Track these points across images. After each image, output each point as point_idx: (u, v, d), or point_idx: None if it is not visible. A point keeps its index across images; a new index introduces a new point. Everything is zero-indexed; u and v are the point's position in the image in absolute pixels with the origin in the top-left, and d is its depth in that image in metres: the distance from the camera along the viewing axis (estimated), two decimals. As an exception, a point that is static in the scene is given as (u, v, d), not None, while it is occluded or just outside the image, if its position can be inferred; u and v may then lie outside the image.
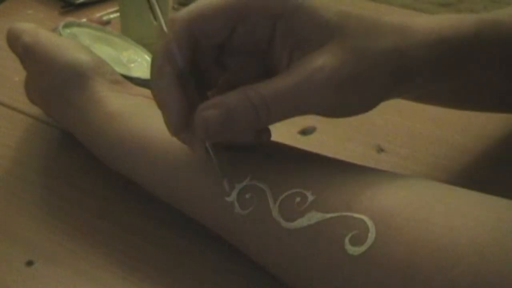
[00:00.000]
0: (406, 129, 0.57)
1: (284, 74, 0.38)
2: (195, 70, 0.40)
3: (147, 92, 0.51)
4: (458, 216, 0.34)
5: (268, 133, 0.41)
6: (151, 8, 0.39)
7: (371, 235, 0.34)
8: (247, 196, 0.39)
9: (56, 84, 0.50)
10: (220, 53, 0.40)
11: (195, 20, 0.38)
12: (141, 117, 0.46)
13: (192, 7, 0.39)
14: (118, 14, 0.70)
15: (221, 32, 0.39)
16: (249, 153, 0.41)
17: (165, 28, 0.39)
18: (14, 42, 0.53)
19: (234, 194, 0.39)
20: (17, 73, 0.54)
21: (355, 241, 0.34)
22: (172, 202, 0.44)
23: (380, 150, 0.54)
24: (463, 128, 0.56)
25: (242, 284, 0.41)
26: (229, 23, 0.38)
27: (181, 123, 0.39)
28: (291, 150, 0.43)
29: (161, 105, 0.39)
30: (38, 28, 0.52)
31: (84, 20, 0.65)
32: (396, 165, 0.52)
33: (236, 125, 0.37)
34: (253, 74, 0.40)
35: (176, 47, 0.38)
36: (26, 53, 0.51)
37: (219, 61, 0.41)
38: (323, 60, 0.37)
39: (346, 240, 0.35)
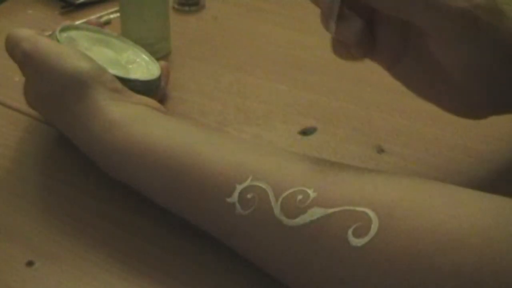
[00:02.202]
0: (406, 129, 0.57)
1: None
2: None
3: (147, 100, 0.51)
4: (460, 205, 0.34)
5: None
6: None
7: (374, 226, 0.34)
8: (249, 196, 0.39)
9: (55, 92, 0.50)
10: None
11: None
12: (141, 125, 0.46)
13: None
14: (118, 14, 0.70)
15: None
16: (250, 153, 0.41)
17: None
18: (13, 49, 0.52)
19: (235, 195, 0.39)
20: (17, 73, 0.54)
21: (358, 233, 0.35)
22: (173, 208, 0.44)
23: (381, 150, 0.54)
24: (463, 128, 0.56)
25: (242, 284, 0.41)
26: None
27: None
28: (291, 150, 0.43)
29: None
30: (37, 35, 0.52)
31: (81, 22, 0.65)
32: (396, 165, 0.52)
33: None
34: None
35: None
36: (26, 60, 0.51)
37: None
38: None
39: (349, 232, 0.35)
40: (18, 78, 0.57)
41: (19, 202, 0.48)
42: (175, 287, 0.41)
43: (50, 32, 0.56)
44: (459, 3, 0.40)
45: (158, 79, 0.58)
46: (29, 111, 0.57)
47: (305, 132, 0.56)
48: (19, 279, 0.42)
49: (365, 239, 0.34)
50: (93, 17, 0.73)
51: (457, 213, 0.34)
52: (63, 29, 0.56)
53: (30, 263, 0.43)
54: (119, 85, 0.50)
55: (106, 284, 0.42)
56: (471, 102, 0.45)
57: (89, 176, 0.50)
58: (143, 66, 0.59)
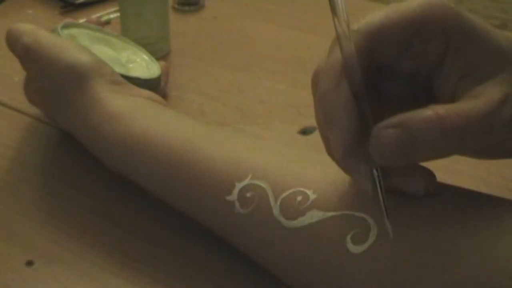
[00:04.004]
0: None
1: (468, 101, 0.33)
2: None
3: (148, 93, 0.51)
4: (459, 216, 0.34)
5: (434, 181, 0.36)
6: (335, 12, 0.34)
7: (373, 234, 0.34)
8: (248, 195, 0.39)
9: (56, 85, 0.50)
10: (378, 77, 0.37)
11: (376, 31, 0.34)
12: (141, 118, 0.46)
13: (370, 18, 0.35)
14: (118, 14, 0.70)
15: (399, 45, 0.35)
16: (250, 151, 0.41)
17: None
18: (14, 43, 0.52)
19: (235, 194, 0.39)
20: (17, 73, 0.54)
21: (357, 240, 0.35)
22: (172, 203, 0.44)
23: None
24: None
25: (242, 284, 0.41)
26: (407, 35, 0.35)
27: (354, 144, 0.34)
28: (291, 149, 0.43)
29: (331, 123, 0.35)
30: (38, 29, 0.52)
31: (82, 20, 0.65)
32: (396, 165, 0.51)
33: (418, 149, 0.32)
34: (407, 101, 0.36)
35: (357, 61, 0.34)
36: (26, 54, 0.51)
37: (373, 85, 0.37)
38: (504, 92, 0.33)
39: (348, 238, 0.35)
40: (18, 78, 0.57)
41: (19, 202, 0.48)
42: (175, 287, 0.41)
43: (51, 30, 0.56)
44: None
45: (159, 78, 0.58)
46: (29, 111, 0.57)
47: (305, 131, 0.56)
48: (19, 279, 0.42)
49: (364, 246, 0.34)
50: (93, 16, 0.73)
51: (456, 224, 0.33)
52: (65, 26, 0.56)
53: (29, 263, 0.43)
54: (119, 77, 0.51)
55: (106, 284, 0.42)
56: (490, 148, 0.37)
57: (89, 176, 0.50)
58: (143, 66, 0.59)
